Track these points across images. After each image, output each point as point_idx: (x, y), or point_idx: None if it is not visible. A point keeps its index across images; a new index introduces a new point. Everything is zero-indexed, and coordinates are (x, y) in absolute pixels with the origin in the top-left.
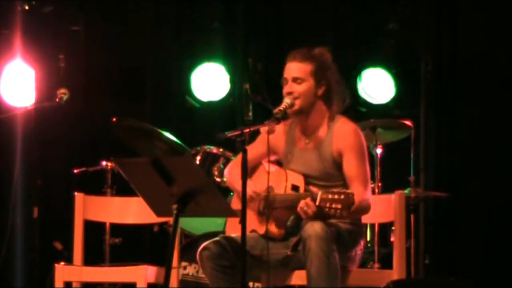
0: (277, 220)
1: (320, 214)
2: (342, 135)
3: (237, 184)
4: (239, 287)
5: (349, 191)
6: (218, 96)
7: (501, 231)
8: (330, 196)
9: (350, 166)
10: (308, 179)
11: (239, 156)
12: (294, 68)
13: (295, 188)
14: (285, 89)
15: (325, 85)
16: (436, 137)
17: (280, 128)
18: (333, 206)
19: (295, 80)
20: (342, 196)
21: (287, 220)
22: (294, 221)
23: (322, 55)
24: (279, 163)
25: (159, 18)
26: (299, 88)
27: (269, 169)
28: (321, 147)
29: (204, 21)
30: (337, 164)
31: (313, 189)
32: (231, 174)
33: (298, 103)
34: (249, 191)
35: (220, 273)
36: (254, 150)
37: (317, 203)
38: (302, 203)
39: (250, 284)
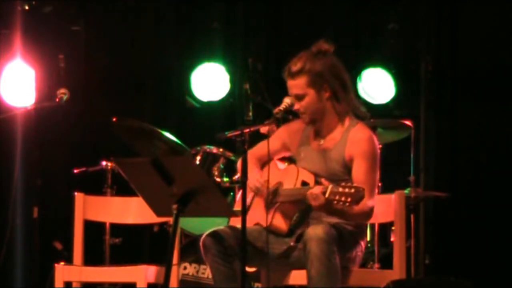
0: (284, 215)
1: (328, 207)
2: (356, 141)
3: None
4: (239, 275)
5: (359, 186)
6: (218, 96)
7: (501, 231)
8: (340, 189)
9: (359, 172)
10: (318, 179)
11: (256, 146)
12: (292, 86)
13: (304, 184)
14: (294, 107)
15: (328, 87)
16: (436, 137)
17: (296, 125)
18: (343, 199)
19: (296, 97)
20: (353, 190)
21: (292, 215)
22: (299, 217)
23: (318, 53)
24: (290, 160)
25: (159, 18)
26: (303, 103)
27: (270, 166)
28: (334, 150)
29: (204, 21)
30: (348, 168)
31: (325, 182)
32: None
33: (307, 117)
34: (256, 183)
35: (221, 260)
36: (270, 144)
37: (326, 195)
38: (310, 193)
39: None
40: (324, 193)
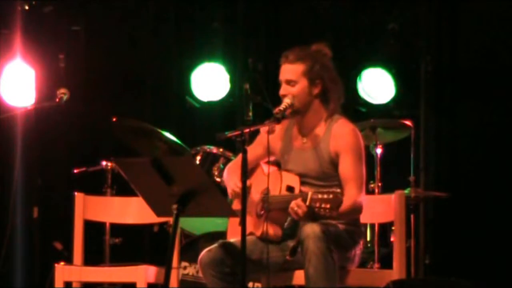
0: (274, 222)
1: (311, 214)
2: (340, 135)
3: (229, 182)
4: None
5: (337, 190)
6: (218, 96)
7: (501, 231)
8: (320, 196)
9: (346, 167)
10: (305, 178)
11: (239, 157)
12: (286, 70)
13: (290, 189)
14: (280, 92)
15: (320, 84)
16: (436, 137)
17: (277, 127)
18: (323, 206)
19: (288, 82)
20: (331, 196)
21: (283, 221)
22: (291, 223)
23: (317, 52)
24: (278, 164)
25: (159, 18)
26: (292, 90)
27: (269, 171)
28: (318, 146)
29: (204, 21)
30: (335, 164)
31: (305, 189)
32: (229, 173)
33: (293, 105)
34: (234, 187)
35: (220, 280)
36: (252, 152)
37: (307, 203)
38: (292, 204)
39: (250, 284)
40: (305, 200)
